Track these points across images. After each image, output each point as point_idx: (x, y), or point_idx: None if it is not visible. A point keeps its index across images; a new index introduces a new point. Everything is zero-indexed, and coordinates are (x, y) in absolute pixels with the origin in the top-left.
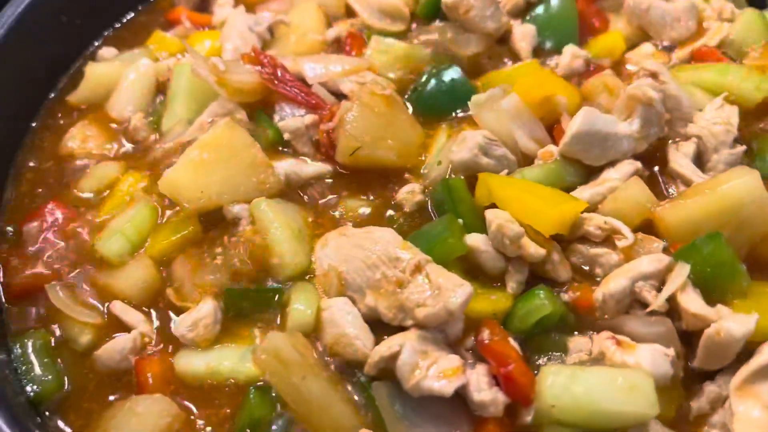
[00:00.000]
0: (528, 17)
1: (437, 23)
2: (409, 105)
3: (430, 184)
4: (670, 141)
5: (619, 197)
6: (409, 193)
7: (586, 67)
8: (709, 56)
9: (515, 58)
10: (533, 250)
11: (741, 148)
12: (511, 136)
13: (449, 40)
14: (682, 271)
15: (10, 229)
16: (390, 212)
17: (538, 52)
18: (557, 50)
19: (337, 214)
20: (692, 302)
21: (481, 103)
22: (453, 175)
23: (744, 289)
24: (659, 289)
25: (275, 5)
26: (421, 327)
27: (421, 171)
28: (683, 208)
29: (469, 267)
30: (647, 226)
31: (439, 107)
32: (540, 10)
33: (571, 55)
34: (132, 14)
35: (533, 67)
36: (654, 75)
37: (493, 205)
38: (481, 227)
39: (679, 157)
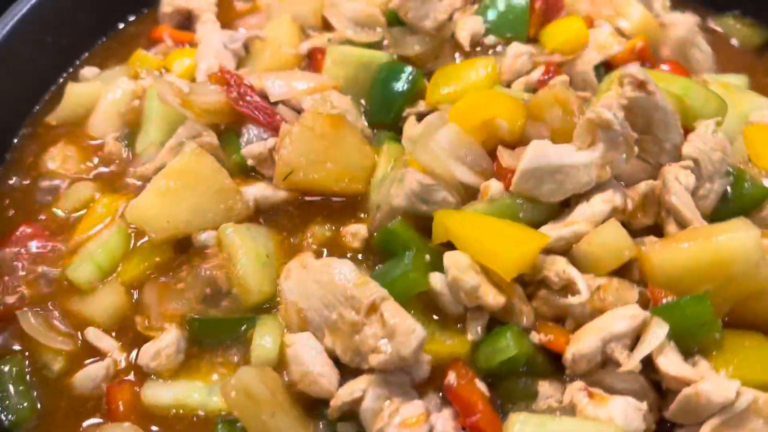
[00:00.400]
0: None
1: (394, 28)
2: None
3: (373, 225)
4: (665, 166)
5: (593, 241)
6: (353, 235)
7: (532, 66)
8: None
9: (463, 52)
10: (491, 299)
11: (729, 179)
12: (452, 174)
13: (396, 42)
14: (660, 333)
15: None
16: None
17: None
18: (505, 39)
19: (307, 240)
20: (671, 365)
21: (415, 140)
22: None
23: (719, 341)
24: (633, 346)
25: (253, 20)
26: (380, 371)
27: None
28: (673, 252)
29: (430, 303)
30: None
31: (387, 112)
32: None
33: (513, 56)
34: (122, 24)
35: (479, 63)
36: (641, 85)
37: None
38: (439, 265)
39: (681, 191)
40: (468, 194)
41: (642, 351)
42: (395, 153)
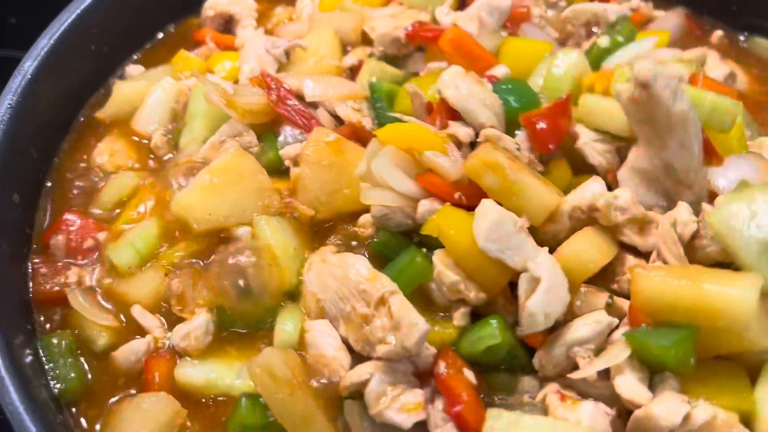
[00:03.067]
0: None
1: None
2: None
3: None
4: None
5: (562, 252)
6: (363, 225)
7: None
8: None
9: None
10: (473, 295)
11: None
12: (401, 204)
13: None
14: (620, 356)
15: (35, 245)
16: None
17: None
18: None
19: (333, 238)
20: (626, 386)
21: (362, 175)
22: None
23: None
24: (600, 350)
25: (293, 27)
26: (387, 360)
27: None
28: (662, 285)
29: (424, 298)
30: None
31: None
32: None
33: None
34: (161, 35)
35: None
36: (645, 85)
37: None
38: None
39: (672, 243)
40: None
41: (598, 365)
42: None
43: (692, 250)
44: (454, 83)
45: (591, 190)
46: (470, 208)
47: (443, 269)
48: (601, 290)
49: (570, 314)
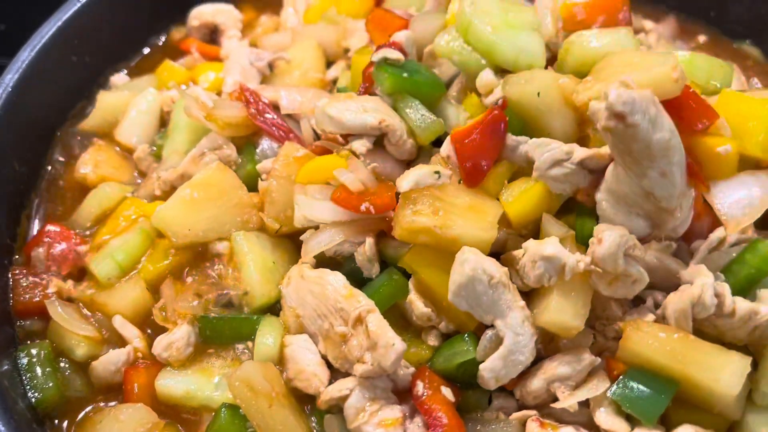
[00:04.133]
0: None
1: None
2: None
3: None
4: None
5: (541, 318)
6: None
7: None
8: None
9: None
10: (443, 326)
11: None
12: (343, 237)
13: None
14: (600, 386)
15: (17, 257)
16: None
17: None
18: None
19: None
20: (605, 418)
21: (303, 223)
22: None
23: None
24: (579, 384)
25: (277, 38)
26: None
27: None
28: (654, 349)
29: (401, 317)
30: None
31: None
32: None
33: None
34: (144, 44)
35: None
36: (620, 117)
37: None
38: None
39: (684, 317)
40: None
41: (579, 396)
42: None
43: (698, 321)
44: (326, 116)
45: (549, 250)
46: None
47: (415, 299)
48: (587, 330)
49: (553, 349)
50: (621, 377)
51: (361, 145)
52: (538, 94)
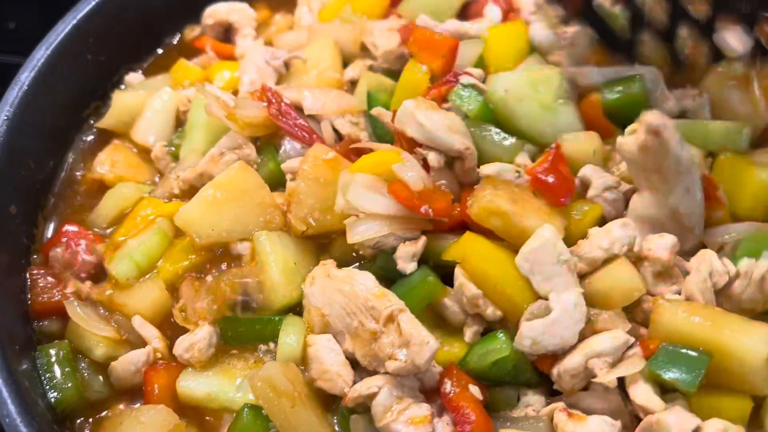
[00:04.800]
0: None
1: None
2: None
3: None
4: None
5: (605, 279)
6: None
7: None
8: None
9: None
10: (490, 312)
11: None
12: (390, 230)
13: None
14: (636, 365)
15: (35, 257)
16: None
17: None
18: None
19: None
20: (640, 393)
21: (342, 208)
22: None
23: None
24: (615, 363)
25: (292, 36)
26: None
27: None
28: (683, 320)
29: (434, 316)
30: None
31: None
32: None
33: None
34: (158, 43)
35: None
36: (656, 132)
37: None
38: None
39: (706, 289)
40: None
41: (616, 372)
42: None
43: (719, 299)
44: (414, 120)
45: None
46: (452, 228)
47: (466, 281)
48: (624, 318)
49: (590, 331)
50: (656, 353)
51: (435, 160)
52: None
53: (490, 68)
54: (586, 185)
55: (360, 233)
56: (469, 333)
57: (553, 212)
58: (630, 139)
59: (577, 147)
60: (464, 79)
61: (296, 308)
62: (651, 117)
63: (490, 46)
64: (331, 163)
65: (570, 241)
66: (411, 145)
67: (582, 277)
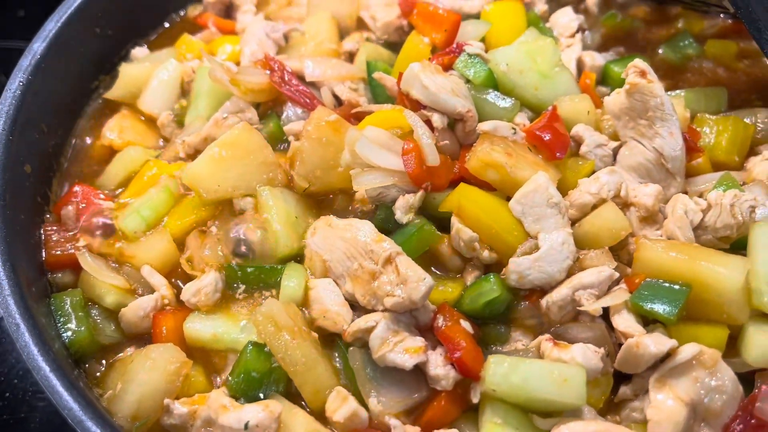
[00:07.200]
0: None
1: None
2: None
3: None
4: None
5: (594, 222)
6: (360, 201)
7: None
8: None
9: None
10: (486, 254)
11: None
12: (393, 181)
13: None
14: (621, 296)
15: (48, 216)
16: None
17: None
18: None
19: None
20: (623, 322)
21: (348, 163)
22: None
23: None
24: (601, 296)
25: (292, 10)
26: (392, 312)
27: None
28: (663, 256)
29: (433, 262)
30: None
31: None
32: None
33: None
34: (163, 19)
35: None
36: (642, 73)
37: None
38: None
39: (685, 224)
40: None
41: (602, 302)
42: None
43: (700, 231)
44: (419, 82)
45: (599, 182)
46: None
47: (462, 227)
48: (609, 256)
49: (578, 269)
50: (639, 287)
51: (439, 121)
52: None
53: (489, 45)
54: (578, 143)
55: (365, 182)
56: (469, 279)
57: (548, 165)
58: (616, 95)
59: (572, 107)
60: (471, 49)
61: (297, 259)
62: (636, 61)
63: (489, 24)
64: (333, 125)
65: (564, 193)
66: (415, 107)
67: (573, 223)
